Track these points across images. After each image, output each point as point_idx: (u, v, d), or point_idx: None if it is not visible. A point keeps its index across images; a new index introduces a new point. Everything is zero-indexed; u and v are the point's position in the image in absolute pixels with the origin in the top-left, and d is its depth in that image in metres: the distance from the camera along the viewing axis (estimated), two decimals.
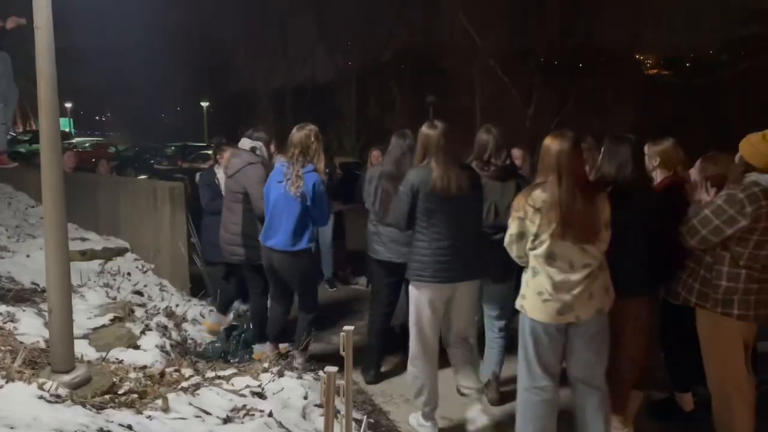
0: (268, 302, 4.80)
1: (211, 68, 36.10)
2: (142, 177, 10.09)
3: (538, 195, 2.85)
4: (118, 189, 7.00)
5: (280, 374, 3.42)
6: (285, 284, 4.31)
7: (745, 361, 3.00)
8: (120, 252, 6.28)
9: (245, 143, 4.76)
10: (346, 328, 2.47)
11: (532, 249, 2.92)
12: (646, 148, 3.63)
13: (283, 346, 4.49)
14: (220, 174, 5.76)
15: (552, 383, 3.02)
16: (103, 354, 3.64)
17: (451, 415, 3.78)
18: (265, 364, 3.61)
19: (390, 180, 4.02)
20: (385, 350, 4.46)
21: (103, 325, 4.15)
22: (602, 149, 3.27)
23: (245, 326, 4.90)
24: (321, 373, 4.10)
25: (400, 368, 4.33)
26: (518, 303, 3.04)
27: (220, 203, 5.62)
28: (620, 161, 3.14)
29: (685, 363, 3.58)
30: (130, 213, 6.49)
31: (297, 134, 4.10)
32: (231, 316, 5.24)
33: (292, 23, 34.51)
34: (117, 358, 3.68)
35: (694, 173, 3.56)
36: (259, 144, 4.72)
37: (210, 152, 23.25)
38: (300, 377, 3.51)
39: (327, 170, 4.50)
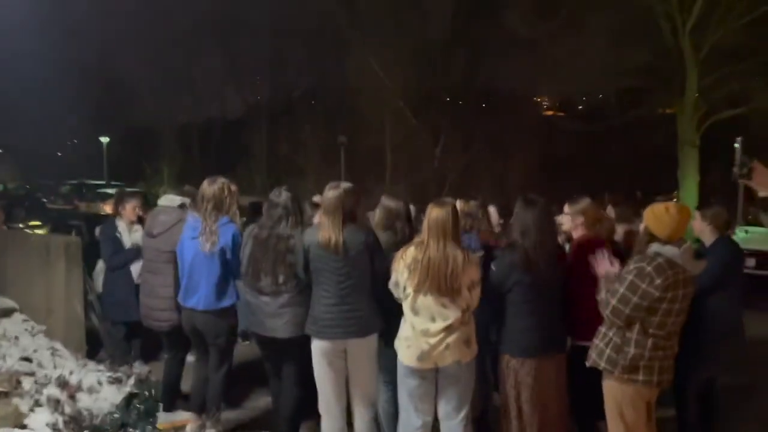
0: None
1: (112, 102, 34.60)
2: (35, 222, 9.37)
3: (411, 252, 3.26)
4: (5, 242, 6.42)
5: None
6: (207, 345, 4.11)
7: (648, 419, 3.14)
8: (6, 313, 5.71)
9: (173, 199, 4.57)
10: None
11: (403, 299, 3.31)
12: (566, 208, 3.84)
13: (183, 417, 4.23)
14: (122, 227, 5.48)
15: (425, 422, 3.35)
16: None
17: None
18: None
19: (260, 246, 3.77)
20: (299, 421, 4.24)
21: None
22: (514, 212, 3.42)
23: (147, 393, 4.57)
24: None
25: None
26: (395, 343, 3.39)
27: (123, 257, 5.37)
28: (528, 227, 3.32)
29: (592, 420, 3.73)
30: (18, 269, 5.96)
31: (209, 188, 3.98)
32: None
33: (200, 57, 33.95)
34: None
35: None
36: (188, 200, 4.52)
37: (110, 191, 22.15)
38: None
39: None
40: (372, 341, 3.57)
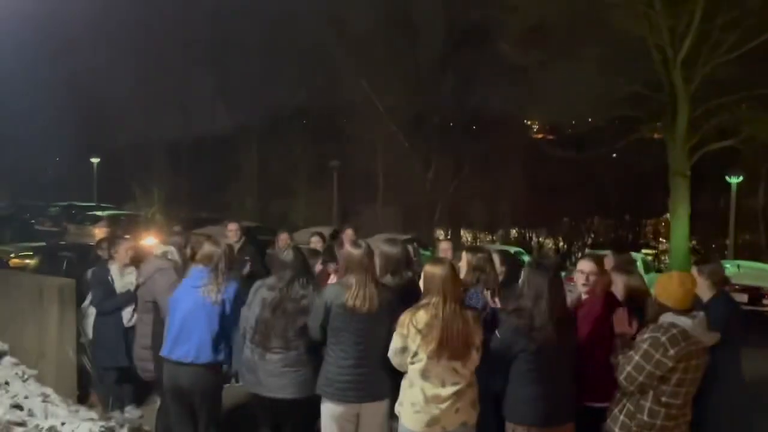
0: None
1: (102, 121, 34.34)
2: (26, 252, 9.22)
3: (422, 316, 3.12)
4: None
5: None
6: (191, 406, 3.93)
7: None
8: None
9: (158, 248, 4.65)
10: None
11: (411, 363, 3.16)
12: (584, 265, 3.73)
13: None
14: (115, 271, 5.40)
15: None
16: None
17: None
18: None
19: (271, 309, 3.68)
20: None
21: None
22: (522, 277, 3.38)
23: None
24: None
25: None
26: (396, 408, 3.26)
27: (114, 302, 5.29)
28: (537, 293, 3.26)
29: None
30: (9, 311, 5.86)
31: (213, 248, 3.95)
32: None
33: (190, 76, 33.91)
34: None
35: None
36: (171, 249, 4.47)
37: (100, 213, 21.90)
38: None
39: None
40: (384, 406, 3.50)
